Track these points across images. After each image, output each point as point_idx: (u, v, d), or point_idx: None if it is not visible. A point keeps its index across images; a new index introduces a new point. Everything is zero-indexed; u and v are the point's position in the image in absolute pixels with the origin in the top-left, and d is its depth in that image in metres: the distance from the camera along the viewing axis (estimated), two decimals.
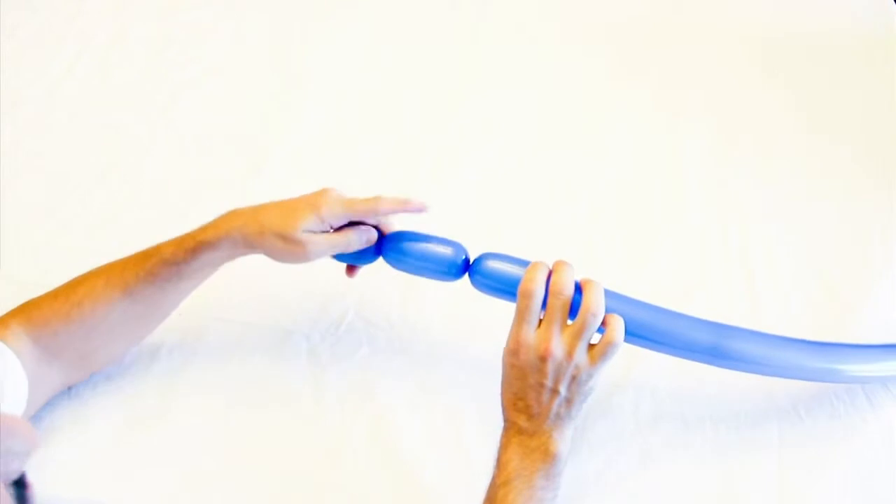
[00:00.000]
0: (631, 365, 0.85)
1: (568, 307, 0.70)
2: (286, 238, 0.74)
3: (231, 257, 0.77)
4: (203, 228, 0.76)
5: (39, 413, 0.78)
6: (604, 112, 1.10)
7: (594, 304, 0.70)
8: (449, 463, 0.79)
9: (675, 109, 1.10)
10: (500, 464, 0.71)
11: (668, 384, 0.85)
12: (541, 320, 0.71)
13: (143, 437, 0.80)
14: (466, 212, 0.98)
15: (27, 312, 0.75)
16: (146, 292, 0.76)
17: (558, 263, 0.72)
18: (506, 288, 0.74)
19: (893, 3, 1.22)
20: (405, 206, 0.76)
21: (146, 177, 1.02)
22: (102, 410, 0.81)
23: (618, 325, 0.70)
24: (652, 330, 0.74)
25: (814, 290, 0.92)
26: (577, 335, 0.70)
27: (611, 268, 0.93)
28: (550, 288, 0.70)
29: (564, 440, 0.71)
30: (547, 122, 1.09)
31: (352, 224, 0.76)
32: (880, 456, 0.80)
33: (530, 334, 0.70)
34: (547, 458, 0.70)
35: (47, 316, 0.75)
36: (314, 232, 0.74)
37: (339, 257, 0.79)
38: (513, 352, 0.71)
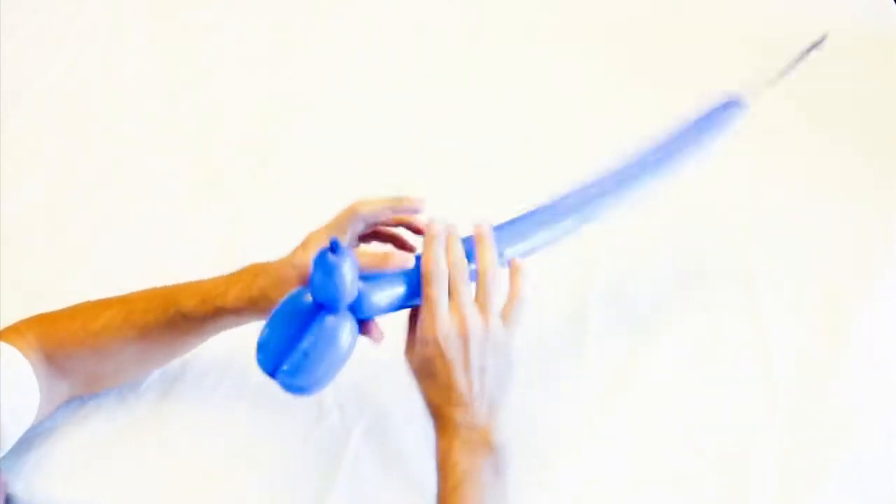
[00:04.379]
0: (629, 365, 0.85)
1: (467, 277, 0.69)
2: None
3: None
4: (227, 288, 0.73)
5: None
6: (603, 112, 1.10)
7: (489, 266, 0.69)
8: None
9: (675, 109, 1.10)
10: (445, 468, 0.68)
11: (668, 384, 0.85)
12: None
13: (142, 437, 0.80)
14: (465, 212, 0.98)
15: (44, 327, 0.75)
16: (163, 339, 0.76)
17: (448, 238, 0.70)
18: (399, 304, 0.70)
19: (894, 3, 1.22)
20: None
21: (147, 177, 1.02)
22: (102, 410, 0.81)
23: (521, 279, 0.70)
24: (538, 237, 0.75)
25: (814, 289, 0.92)
26: (486, 304, 0.68)
27: (610, 267, 0.93)
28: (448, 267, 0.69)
29: (500, 427, 0.69)
30: (547, 121, 1.09)
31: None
32: (880, 456, 0.80)
33: (445, 319, 0.68)
34: (491, 450, 0.68)
35: (63, 337, 0.74)
36: None
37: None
38: (432, 342, 0.67)
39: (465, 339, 0.67)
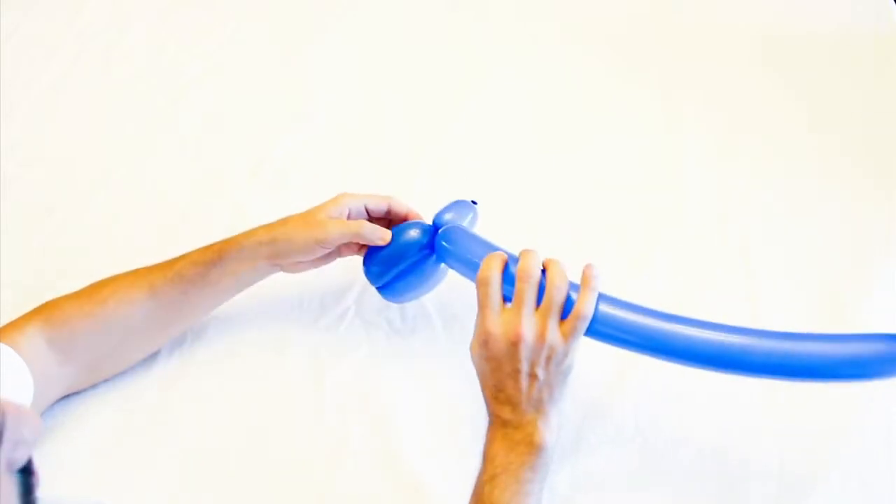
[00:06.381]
0: (630, 364, 0.85)
1: (536, 290, 0.70)
2: (308, 221, 0.78)
3: (254, 266, 0.80)
4: (236, 235, 0.81)
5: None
6: (604, 111, 1.10)
7: (557, 277, 0.70)
8: (449, 463, 0.79)
9: (676, 108, 1.10)
10: (486, 459, 0.70)
11: (668, 384, 0.84)
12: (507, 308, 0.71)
13: (143, 436, 0.80)
14: None
15: (46, 313, 0.76)
16: (171, 295, 0.78)
17: (524, 251, 0.73)
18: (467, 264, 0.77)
19: (894, 2, 1.22)
20: (410, 213, 0.83)
21: (147, 177, 1.02)
22: (102, 410, 0.81)
23: (587, 298, 0.70)
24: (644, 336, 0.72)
25: (814, 290, 0.92)
26: (546, 314, 0.70)
27: (610, 268, 0.93)
28: (518, 273, 0.71)
29: (550, 429, 0.71)
30: (547, 121, 1.09)
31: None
32: (880, 456, 0.80)
33: (496, 322, 0.70)
34: (532, 449, 0.70)
35: (68, 314, 0.76)
36: (333, 216, 0.79)
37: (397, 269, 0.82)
38: (482, 343, 0.70)
39: (514, 344, 0.69)
